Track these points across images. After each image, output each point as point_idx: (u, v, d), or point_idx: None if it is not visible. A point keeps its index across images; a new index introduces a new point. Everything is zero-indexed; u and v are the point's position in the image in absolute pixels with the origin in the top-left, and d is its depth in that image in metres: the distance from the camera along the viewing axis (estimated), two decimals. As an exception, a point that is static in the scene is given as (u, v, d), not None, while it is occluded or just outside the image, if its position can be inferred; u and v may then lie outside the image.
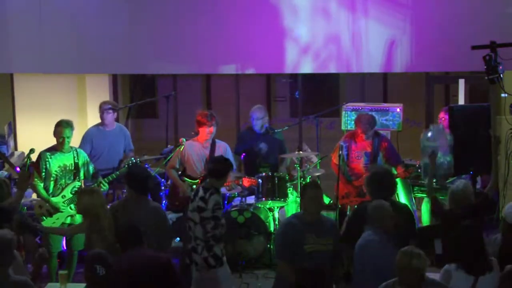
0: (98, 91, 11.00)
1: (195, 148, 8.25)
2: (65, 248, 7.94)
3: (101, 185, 7.87)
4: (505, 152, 7.31)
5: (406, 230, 6.39)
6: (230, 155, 8.24)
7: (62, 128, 7.83)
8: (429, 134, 7.45)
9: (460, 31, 9.80)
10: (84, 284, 5.65)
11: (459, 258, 5.68)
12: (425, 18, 10.14)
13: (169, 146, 9.01)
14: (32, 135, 10.38)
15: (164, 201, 8.44)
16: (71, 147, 7.94)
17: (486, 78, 6.77)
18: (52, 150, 7.87)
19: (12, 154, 9.94)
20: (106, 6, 10.52)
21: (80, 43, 10.48)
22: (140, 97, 12.88)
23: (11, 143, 10.25)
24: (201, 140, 8.28)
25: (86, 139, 8.86)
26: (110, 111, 8.84)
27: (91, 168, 8.02)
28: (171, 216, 8.21)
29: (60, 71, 10.84)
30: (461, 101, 10.38)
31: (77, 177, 7.92)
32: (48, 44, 10.47)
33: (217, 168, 6.57)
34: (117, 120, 9.16)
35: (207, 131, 8.18)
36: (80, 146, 8.83)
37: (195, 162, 8.23)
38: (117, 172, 8.11)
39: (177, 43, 10.49)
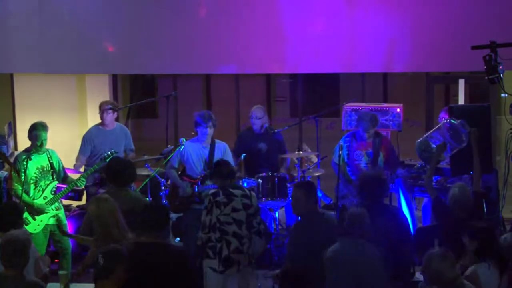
0: (98, 91, 10.99)
1: (195, 148, 8.24)
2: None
3: (79, 182, 7.90)
4: (505, 152, 7.29)
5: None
6: (229, 155, 8.23)
7: (40, 131, 7.82)
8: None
9: (460, 31, 9.79)
10: (84, 284, 5.64)
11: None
12: (425, 18, 10.12)
13: (169, 146, 9.01)
14: (32, 135, 10.36)
15: (164, 201, 8.44)
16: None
17: (486, 78, 6.76)
18: (26, 152, 7.84)
19: (12, 154, 9.92)
20: (106, 6, 10.51)
21: (80, 43, 10.47)
22: (140, 97, 12.85)
23: (11, 143, 10.23)
24: (200, 140, 8.27)
25: (87, 139, 8.87)
26: (110, 111, 8.84)
27: (62, 169, 8.03)
28: (171, 216, 8.20)
29: (60, 71, 10.83)
30: (461, 101, 10.37)
31: (54, 177, 7.93)
32: (48, 44, 10.46)
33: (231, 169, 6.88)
34: (117, 120, 9.17)
35: (203, 132, 8.17)
36: (81, 147, 8.84)
37: (194, 162, 8.22)
38: (95, 166, 8.16)
39: (177, 43, 10.48)
